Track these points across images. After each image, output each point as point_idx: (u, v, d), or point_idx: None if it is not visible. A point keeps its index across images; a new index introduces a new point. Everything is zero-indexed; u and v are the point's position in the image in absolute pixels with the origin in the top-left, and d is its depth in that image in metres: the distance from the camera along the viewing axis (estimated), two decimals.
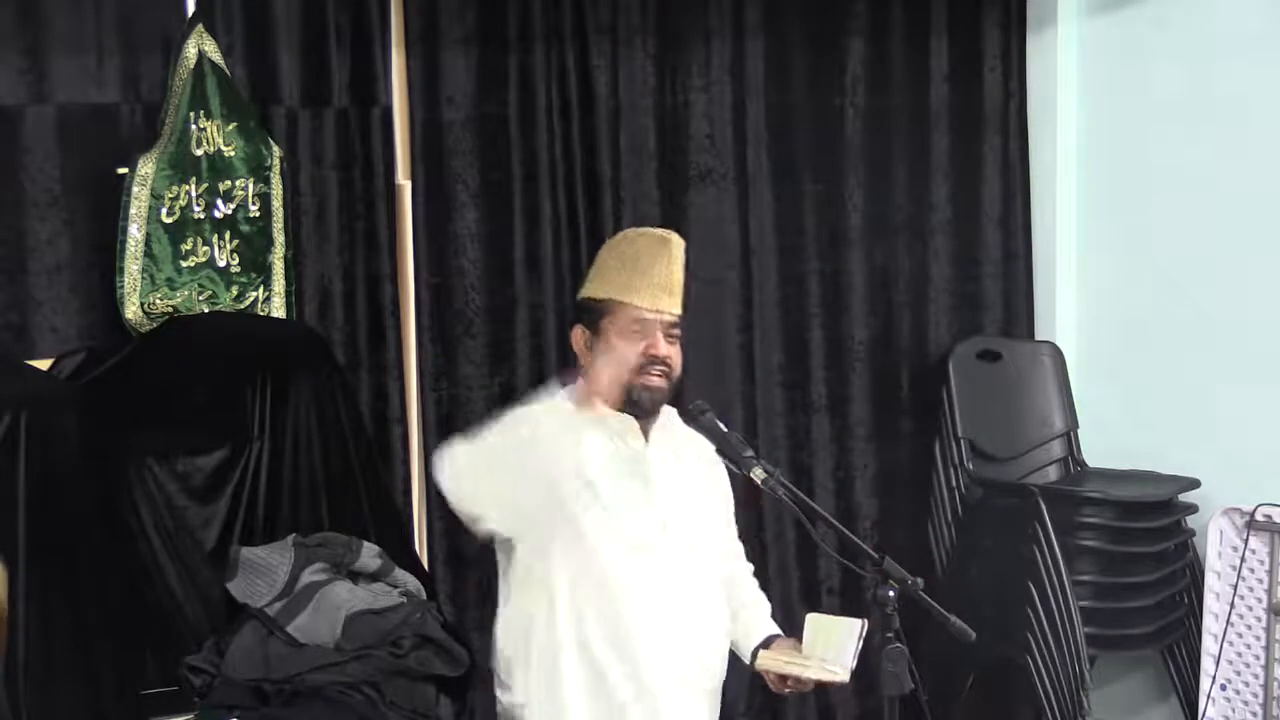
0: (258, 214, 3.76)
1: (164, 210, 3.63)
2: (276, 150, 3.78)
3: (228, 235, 3.72)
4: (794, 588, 4.61)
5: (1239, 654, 4.38)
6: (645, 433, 2.84)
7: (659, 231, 2.95)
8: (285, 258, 3.81)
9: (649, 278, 2.81)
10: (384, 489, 3.87)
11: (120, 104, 3.71)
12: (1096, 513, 4.38)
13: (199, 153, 3.66)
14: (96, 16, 3.67)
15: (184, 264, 3.67)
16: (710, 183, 4.49)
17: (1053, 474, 4.74)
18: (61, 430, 3.29)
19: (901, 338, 4.83)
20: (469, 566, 4.11)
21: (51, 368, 3.58)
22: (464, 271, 4.14)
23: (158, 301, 3.64)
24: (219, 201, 3.70)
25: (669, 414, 2.94)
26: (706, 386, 4.33)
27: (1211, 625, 4.39)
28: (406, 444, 4.05)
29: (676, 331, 2.84)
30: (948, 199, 4.85)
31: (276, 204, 3.78)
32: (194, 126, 3.64)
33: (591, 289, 2.87)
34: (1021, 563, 4.25)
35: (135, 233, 3.59)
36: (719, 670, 2.88)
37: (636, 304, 2.79)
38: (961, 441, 4.65)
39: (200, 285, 3.69)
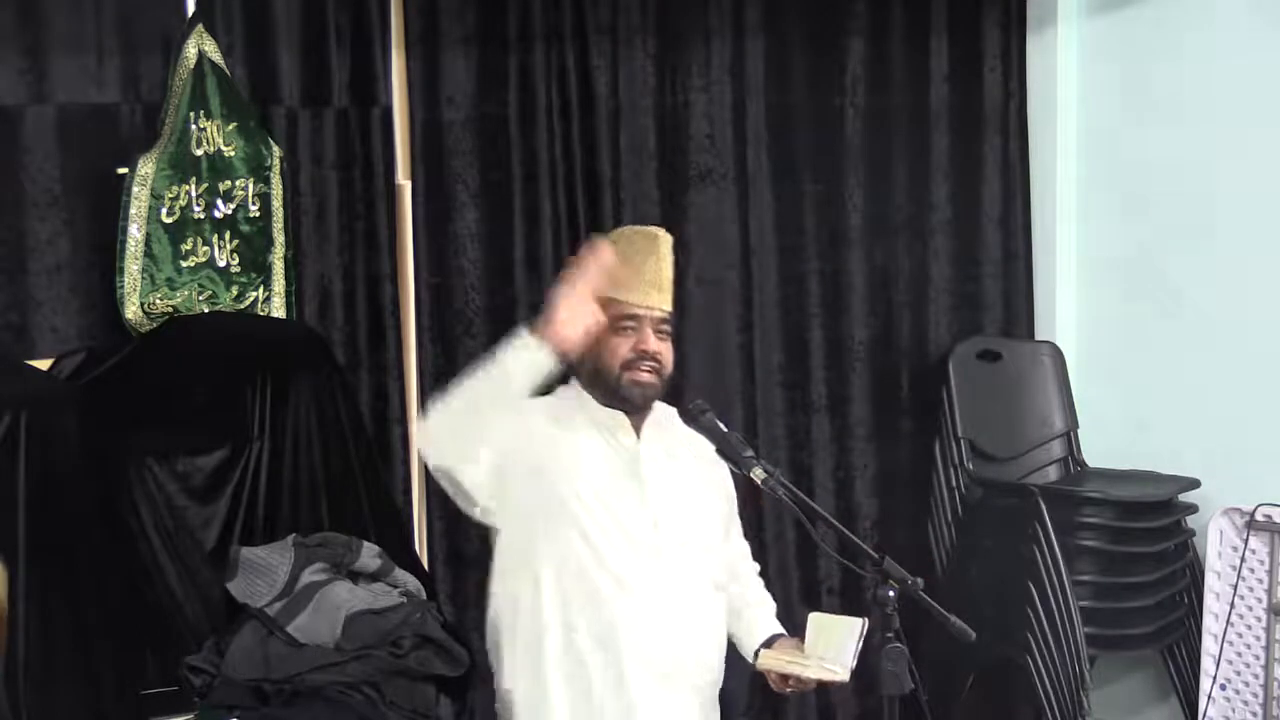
0: (258, 214, 3.76)
1: (164, 210, 3.63)
2: (276, 150, 3.78)
3: (228, 235, 3.72)
4: (794, 588, 4.60)
5: (1239, 654, 4.38)
6: (637, 429, 2.85)
7: (648, 229, 2.98)
8: (285, 258, 3.81)
9: (639, 274, 2.83)
10: (384, 489, 3.87)
11: (120, 104, 3.71)
12: (1096, 513, 4.38)
13: (199, 153, 3.66)
14: (96, 16, 3.67)
15: (184, 264, 3.67)
16: (710, 183, 4.49)
17: (1053, 474, 4.74)
18: (61, 430, 3.29)
19: (901, 338, 4.83)
20: (469, 566, 4.11)
21: (51, 368, 3.58)
22: (464, 271, 4.14)
23: (158, 301, 3.64)
24: (219, 201, 3.70)
25: (666, 413, 2.94)
26: (706, 386, 4.34)
27: (1211, 625, 4.39)
28: (406, 444, 4.05)
29: (667, 328, 2.86)
30: (948, 199, 4.85)
31: (276, 204, 3.78)
32: (194, 126, 3.64)
33: None
34: (1021, 563, 4.24)
35: (135, 233, 3.59)
36: (711, 668, 2.88)
37: (626, 300, 2.81)
38: (961, 441, 4.65)
39: (200, 285, 3.69)
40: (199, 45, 3.65)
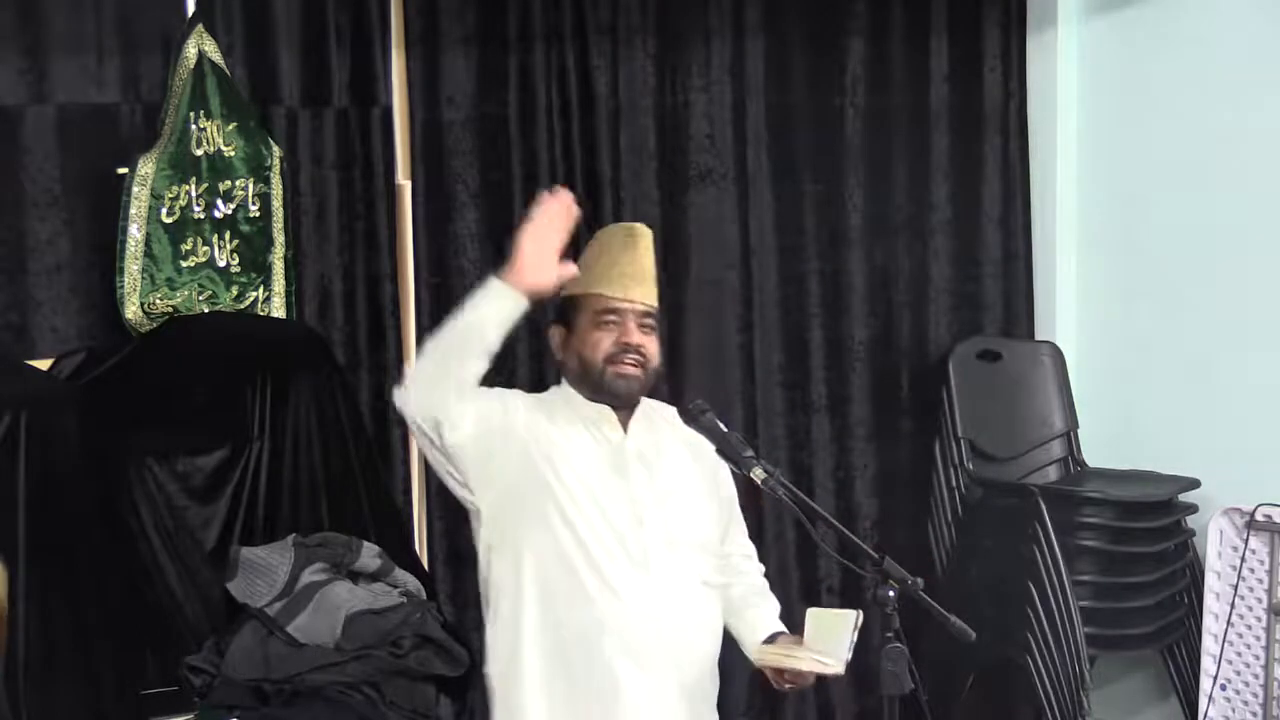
0: (258, 214, 3.76)
1: (164, 210, 3.63)
2: (276, 150, 3.79)
3: (228, 235, 3.72)
4: (794, 588, 4.60)
5: (1239, 654, 4.38)
6: (624, 424, 2.85)
7: (628, 224, 3.02)
8: (285, 258, 3.81)
9: (618, 267, 2.84)
10: (384, 489, 3.87)
11: (120, 104, 3.71)
12: (1096, 513, 4.38)
13: (199, 153, 3.66)
14: (96, 16, 3.68)
15: (184, 264, 3.67)
16: (710, 183, 4.49)
17: (1053, 474, 4.74)
18: (61, 430, 3.29)
19: (901, 338, 4.83)
20: (469, 566, 4.09)
21: (51, 368, 3.58)
22: (464, 271, 4.14)
23: (158, 301, 3.64)
24: (219, 201, 3.70)
25: (663, 412, 2.94)
26: (706, 386, 4.34)
27: (1211, 625, 4.39)
28: (406, 444, 4.05)
29: (650, 322, 2.85)
30: (948, 199, 4.85)
31: (276, 204, 3.78)
32: (194, 126, 3.64)
33: (566, 288, 2.90)
34: (1021, 563, 4.24)
35: (135, 233, 3.59)
36: (697, 663, 2.86)
37: (607, 293, 2.82)
38: (961, 441, 4.65)
39: (200, 285, 3.69)
40: (199, 45, 3.65)
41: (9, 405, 3.17)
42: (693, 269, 4.48)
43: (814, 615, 2.74)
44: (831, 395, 4.72)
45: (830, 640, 2.67)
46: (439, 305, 4.12)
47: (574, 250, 2.98)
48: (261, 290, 3.78)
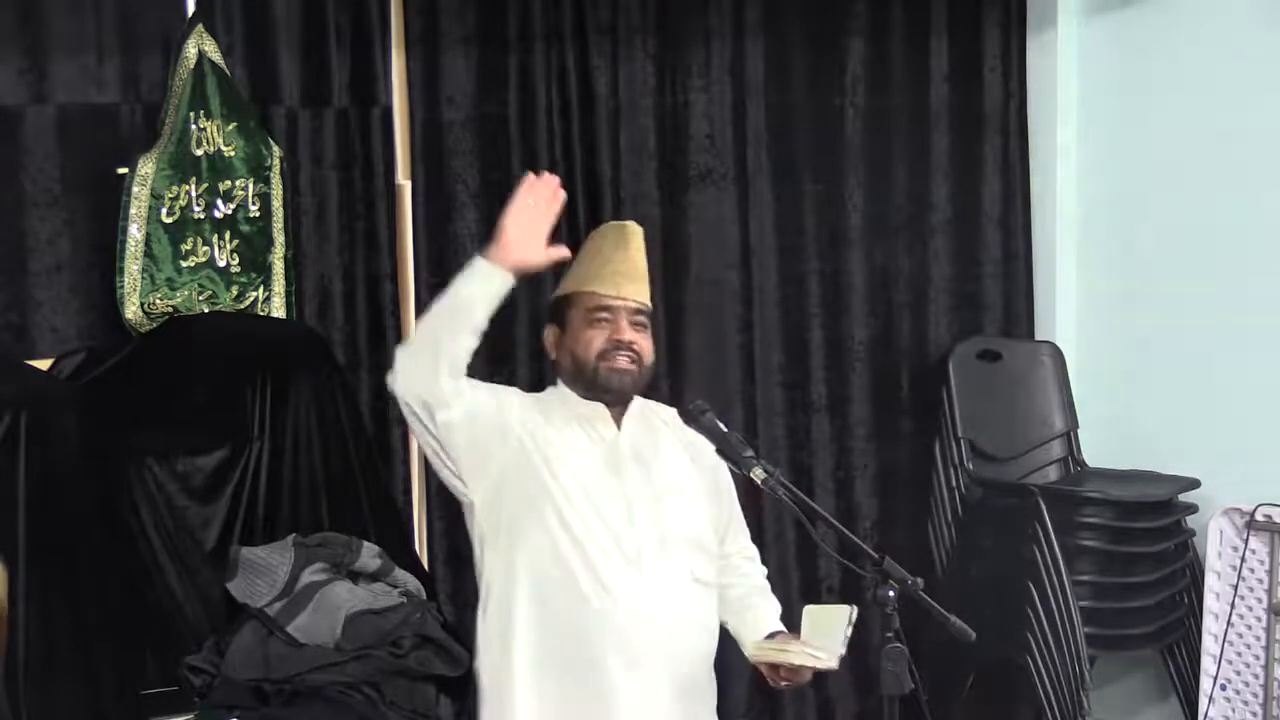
0: (258, 214, 3.76)
1: (164, 210, 3.63)
2: (276, 150, 3.79)
3: (228, 235, 3.72)
4: (794, 588, 4.60)
5: (1239, 654, 4.38)
6: (617, 421, 2.85)
7: (620, 222, 3.03)
8: (285, 258, 3.81)
9: (611, 265, 2.86)
10: (384, 489, 3.87)
11: (120, 104, 3.71)
12: (1096, 513, 4.37)
13: (199, 153, 3.66)
14: (96, 16, 3.68)
15: (184, 264, 3.67)
16: (710, 183, 4.49)
17: (1053, 474, 4.74)
18: (61, 430, 3.29)
19: (901, 338, 4.83)
20: (469, 566, 4.08)
21: (51, 368, 3.58)
22: None
23: (158, 301, 3.64)
24: (219, 201, 3.70)
25: (660, 412, 2.94)
26: (706, 386, 4.34)
27: (1211, 625, 4.39)
28: (406, 444, 4.05)
29: (642, 319, 2.86)
30: (948, 199, 4.85)
31: (276, 204, 3.78)
32: (194, 126, 3.64)
33: (560, 288, 2.94)
34: (1021, 563, 4.24)
35: (135, 233, 3.59)
36: (692, 663, 2.86)
37: (599, 291, 2.84)
38: (961, 441, 4.65)
39: (200, 285, 3.69)
40: (199, 45, 3.65)
41: (9, 405, 3.17)
42: (693, 269, 4.48)
43: (810, 612, 2.75)
44: (831, 395, 4.72)
45: (825, 635, 2.67)
46: None
47: (571, 252, 3.00)
48: (261, 290, 3.78)
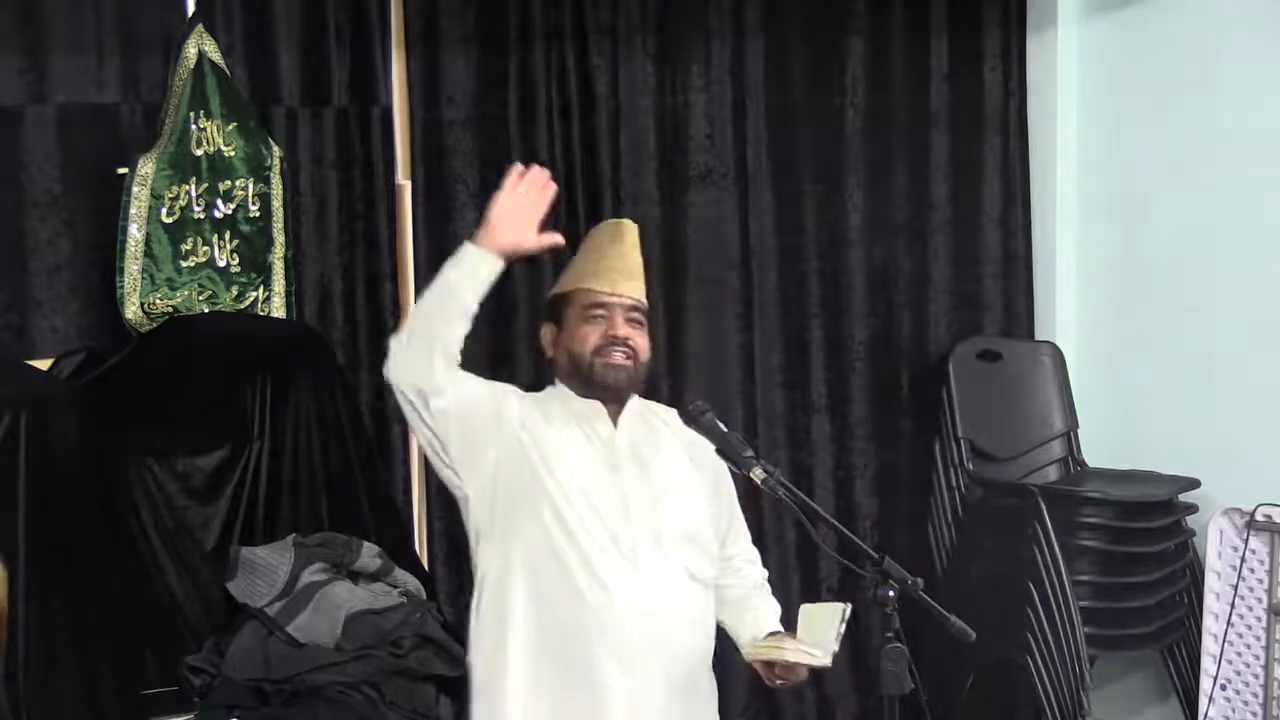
0: (258, 214, 3.76)
1: (164, 210, 3.63)
2: (276, 150, 3.79)
3: (228, 235, 3.72)
4: (794, 588, 4.60)
5: (1239, 654, 4.38)
6: (614, 419, 2.86)
7: (615, 220, 3.05)
8: (285, 258, 3.82)
9: (606, 262, 2.87)
10: (384, 489, 3.87)
11: (120, 104, 3.72)
12: (1096, 513, 4.38)
13: (199, 153, 3.66)
14: (96, 16, 3.68)
15: (184, 264, 3.67)
16: (710, 183, 4.49)
17: (1053, 474, 4.74)
18: (61, 430, 3.29)
19: (901, 338, 4.83)
20: (469, 566, 4.10)
21: (51, 368, 3.59)
22: None
23: (158, 301, 3.64)
24: (219, 201, 3.70)
25: (660, 413, 2.94)
26: (706, 386, 4.34)
27: (1211, 625, 4.39)
28: (406, 444, 4.05)
29: (638, 316, 2.87)
30: (948, 199, 4.85)
31: (276, 204, 3.78)
32: (194, 126, 3.65)
33: (556, 287, 2.95)
34: (1021, 563, 4.24)
35: (135, 233, 3.60)
36: (688, 661, 2.85)
37: (594, 287, 2.85)
38: (961, 441, 4.65)
39: (200, 285, 3.69)
40: (199, 45, 3.65)
41: (9, 405, 3.17)
42: (693, 269, 4.48)
43: (806, 611, 2.75)
44: (831, 395, 4.72)
45: (818, 633, 2.67)
46: None
47: (570, 252, 3.01)
48: (261, 290, 3.78)
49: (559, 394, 2.89)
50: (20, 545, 3.13)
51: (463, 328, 2.71)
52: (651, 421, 2.92)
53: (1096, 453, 4.76)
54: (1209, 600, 4.40)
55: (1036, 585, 4.20)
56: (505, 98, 4.17)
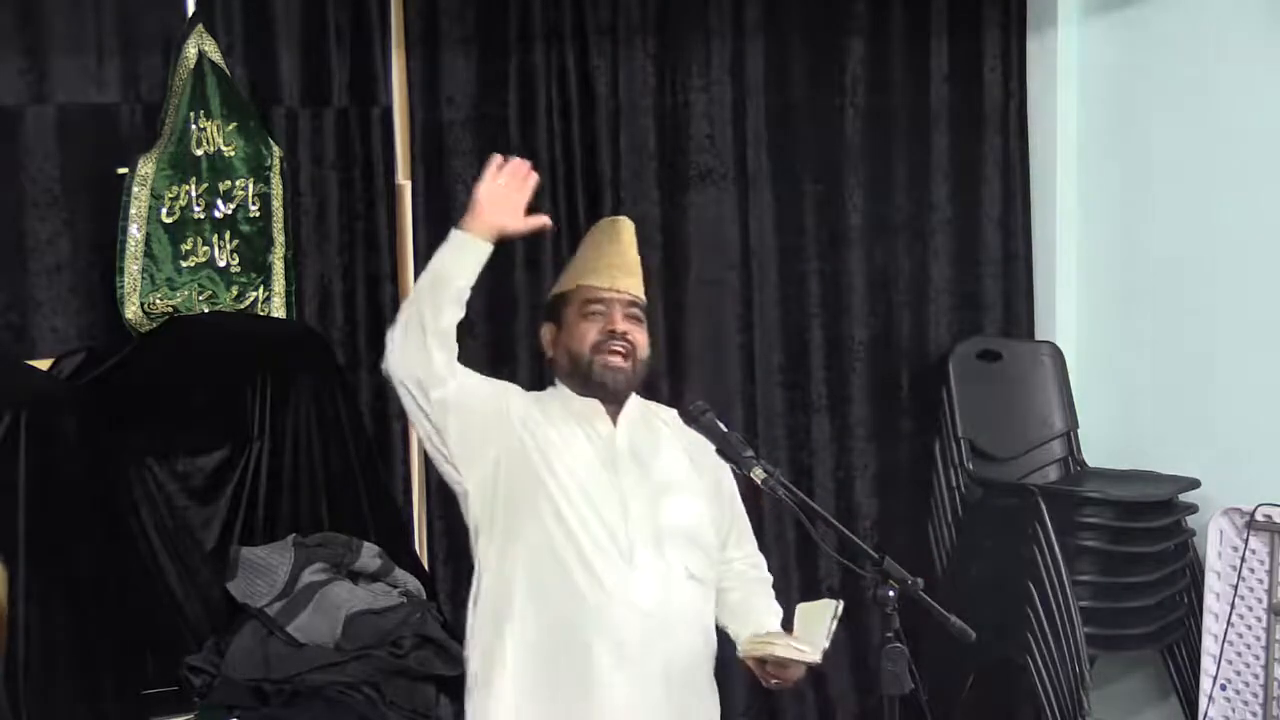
0: (258, 214, 3.76)
1: (164, 210, 3.63)
2: (276, 150, 3.79)
3: (228, 235, 3.72)
4: (794, 588, 4.60)
5: (1239, 654, 4.38)
6: (613, 418, 2.86)
7: (612, 218, 3.08)
8: (285, 258, 3.82)
9: (604, 259, 2.89)
10: (384, 489, 3.87)
11: (120, 104, 3.71)
12: (1096, 513, 4.38)
13: (199, 153, 3.66)
14: (96, 16, 3.68)
15: (184, 264, 3.67)
16: (710, 183, 4.49)
17: (1053, 474, 4.74)
18: (61, 430, 3.29)
19: (901, 338, 4.83)
20: (469, 566, 4.10)
21: (51, 368, 3.58)
22: None
23: (158, 301, 3.64)
24: (219, 201, 3.70)
25: (660, 413, 2.94)
26: (706, 386, 4.34)
27: (1211, 625, 4.39)
28: (406, 443, 4.05)
29: (637, 312, 2.87)
30: (948, 199, 4.85)
31: (276, 204, 3.78)
32: (194, 126, 3.65)
33: (555, 287, 2.97)
34: (1021, 563, 4.25)
35: (135, 233, 3.59)
36: (686, 659, 2.85)
37: (592, 284, 2.86)
38: (961, 441, 4.65)
39: (200, 285, 3.69)
40: (199, 45, 3.65)
41: (9, 405, 3.17)
42: (693, 269, 4.48)
43: (801, 610, 2.75)
44: (831, 395, 4.72)
45: (810, 630, 2.67)
46: None
47: (569, 250, 3.01)
48: (261, 290, 3.78)
49: (559, 393, 2.90)
50: (20, 545, 3.13)
51: (456, 313, 2.72)
52: (652, 421, 2.92)
53: (1096, 453, 4.76)
54: (1209, 600, 4.40)
55: (1036, 585, 4.20)
56: (505, 98, 4.17)
